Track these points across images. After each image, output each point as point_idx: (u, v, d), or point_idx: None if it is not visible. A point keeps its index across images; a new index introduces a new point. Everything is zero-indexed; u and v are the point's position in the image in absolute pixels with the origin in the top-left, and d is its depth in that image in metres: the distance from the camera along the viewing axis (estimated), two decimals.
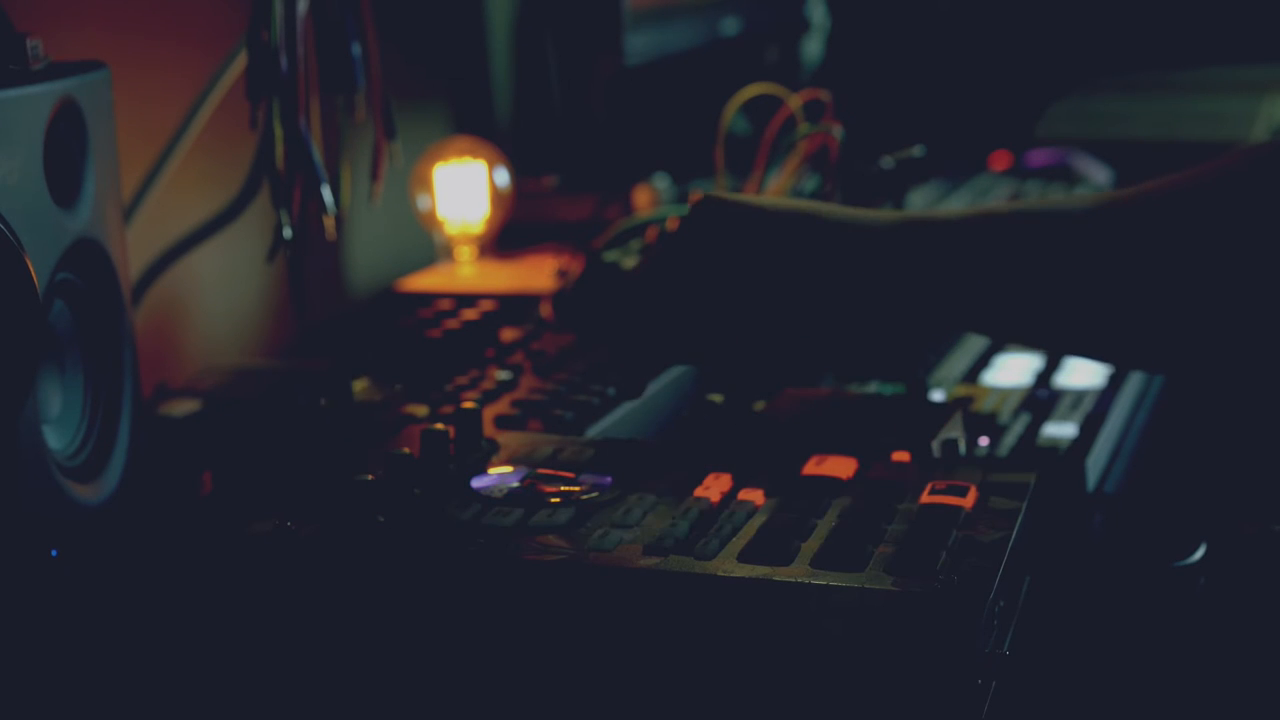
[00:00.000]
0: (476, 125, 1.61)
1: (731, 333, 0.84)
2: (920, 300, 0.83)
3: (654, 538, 0.70)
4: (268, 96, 0.99)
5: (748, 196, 0.83)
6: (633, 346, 0.87)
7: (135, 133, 0.98)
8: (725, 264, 0.82)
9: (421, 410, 0.99)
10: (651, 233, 1.26)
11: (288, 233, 1.01)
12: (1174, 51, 2.01)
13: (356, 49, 1.04)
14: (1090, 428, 0.97)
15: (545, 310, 1.20)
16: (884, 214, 0.85)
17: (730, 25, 1.81)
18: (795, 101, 1.27)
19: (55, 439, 0.78)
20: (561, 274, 1.24)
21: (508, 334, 1.16)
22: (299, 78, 0.99)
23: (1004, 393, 1.04)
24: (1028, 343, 0.98)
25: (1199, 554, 0.87)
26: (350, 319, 1.36)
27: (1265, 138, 1.71)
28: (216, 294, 1.25)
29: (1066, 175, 1.70)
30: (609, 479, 0.77)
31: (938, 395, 1.03)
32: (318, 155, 1.00)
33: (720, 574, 0.66)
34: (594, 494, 0.76)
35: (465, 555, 0.70)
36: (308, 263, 1.05)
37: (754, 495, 0.74)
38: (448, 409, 0.97)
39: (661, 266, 0.84)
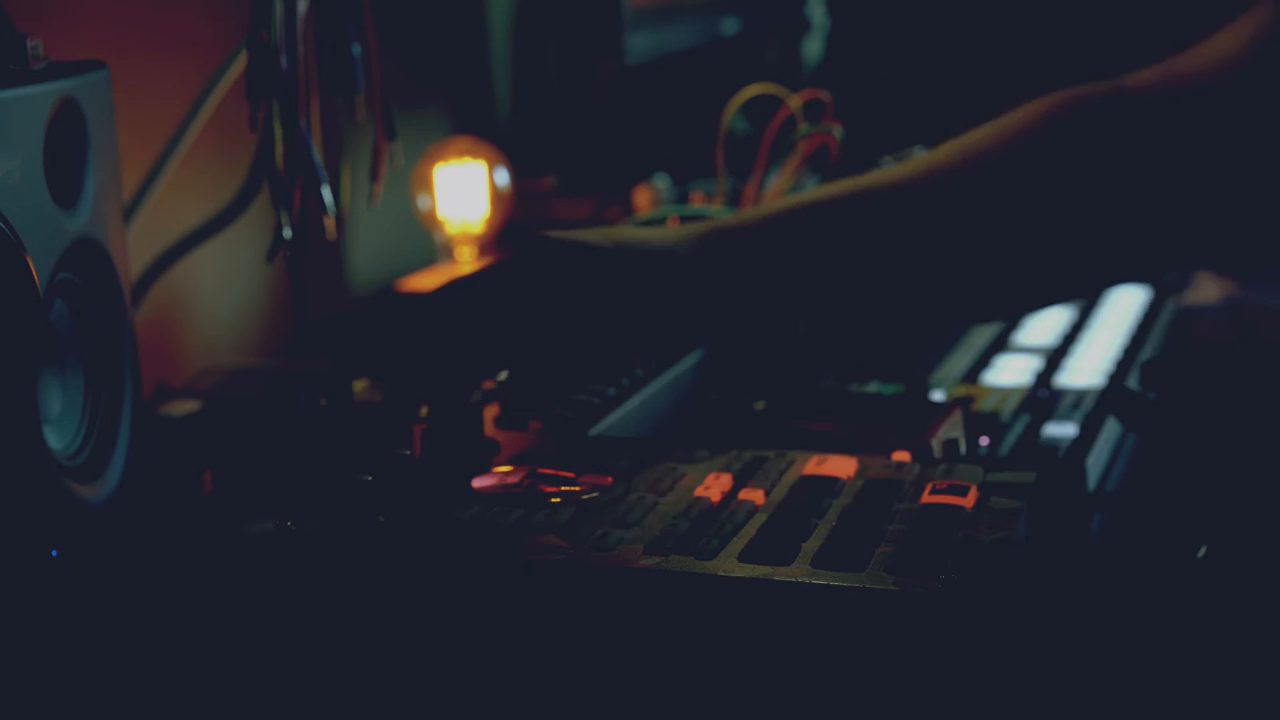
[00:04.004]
0: (476, 125, 1.61)
1: (548, 360, 0.88)
2: (730, 310, 0.87)
3: (654, 538, 0.70)
4: (268, 97, 0.99)
5: (572, 234, 0.86)
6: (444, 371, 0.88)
7: (135, 133, 0.98)
8: (550, 298, 0.85)
9: (422, 410, 0.99)
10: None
11: (288, 233, 1.01)
12: (1174, 53, 2.01)
13: (356, 49, 1.04)
14: (1090, 428, 0.97)
15: None
16: (693, 231, 0.88)
17: (730, 25, 1.81)
18: (795, 101, 1.27)
19: (55, 439, 0.78)
20: None
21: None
22: (299, 78, 0.99)
23: (1004, 393, 1.04)
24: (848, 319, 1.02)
25: (1199, 554, 0.87)
26: (350, 319, 1.36)
27: None
28: (216, 294, 1.25)
29: None
30: (609, 479, 0.77)
31: (938, 395, 1.03)
32: (318, 155, 1.00)
33: (720, 574, 0.66)
34: (594, 494, 0.76)
35: (465, 555, 0.70)
36: (308, 263, 1.05)
37: (754, 495, 0.74)
38: None
39: (482, 300, 0.86)
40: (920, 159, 0.90)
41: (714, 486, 0.76)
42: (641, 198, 1.49)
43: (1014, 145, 0.88)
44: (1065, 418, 0.99)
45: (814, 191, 0.92)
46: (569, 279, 0.85)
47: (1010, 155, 0.87)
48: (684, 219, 1.25)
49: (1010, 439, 0.96)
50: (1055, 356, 1.12)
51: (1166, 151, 0.86)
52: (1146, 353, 1.15)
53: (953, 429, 0.89)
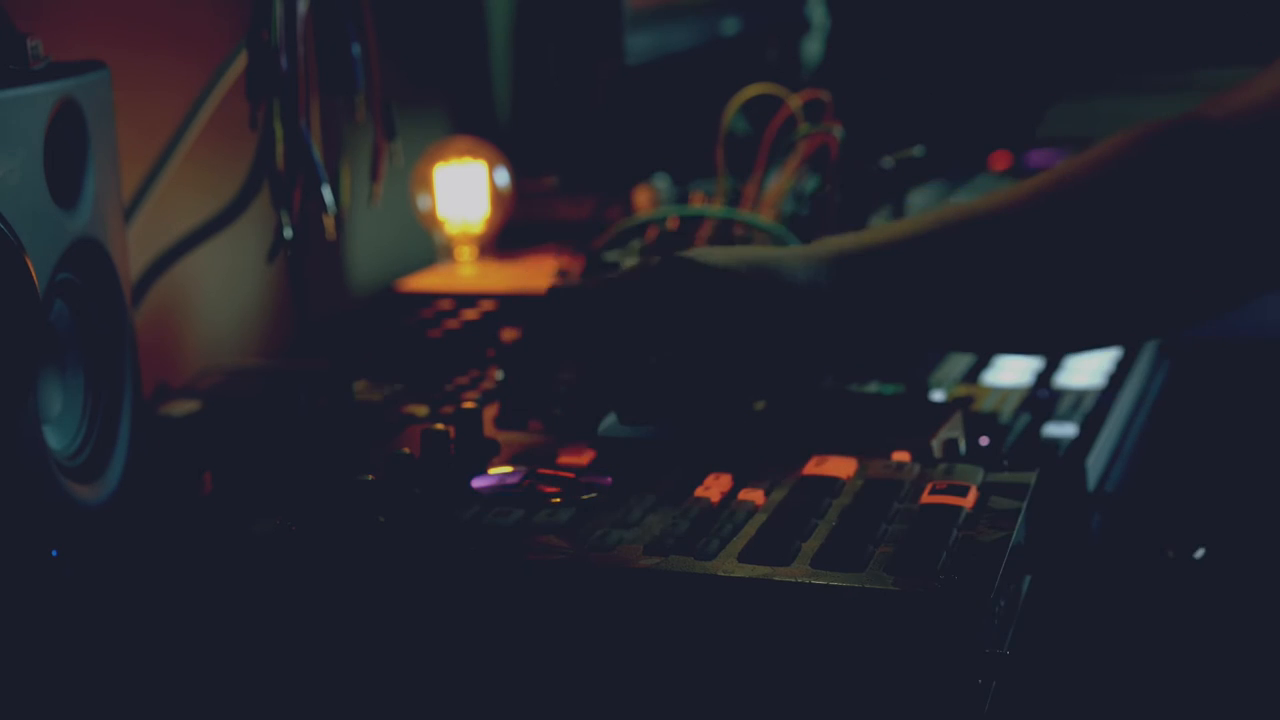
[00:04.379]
0: (476, 125, 1.61)
1: (688, 384, 0.87)
2: (863, 344, 0.90)
3: (654, 538, 0.70)
4: (268, 96, 0.99)
5: (712, 257, 0.86)
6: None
7: (135, 133, 0.98)
8: (687, 326, 0.86)
9: (421, 410, 0.99)
10: (651, 232, 1.26)
11: (288, 233, 1.01)
12: (1174, 52, 2.01)
13: (356, 49, 1.04)
14: (1090, 428, 0.97)
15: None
16: (823, 259, 0.88)
17: (730, 25, 1.81)
18: (795, 101, 1.27)
19: (55, 439, 0.78)
20: (562, 274, 1.24)
21: (508, 334, 1.16)
22: (299, 78, 0.99)
23: (1004, 393, 1.04)
24: (978, 349, 1.04)
25: (1199, 554, 0.87)
26: (350, 319, 1.36)
27: None
28: (216, 294, 1.25)
29: None
30: (609, 479, 0.77)
31: (938, 395, 1.03)
32: (318, 155, 1.00)
33: (720, 574, 0.66)
34: (594, 494, 0.76)
35: (465, 555, 0.70)
36: (308, 263, 1.05)
37: (754, 495, 0.74)
38: (448, 409, 0.97)
39: (621, 319, 0.86)
40: (1016, 186, 0.92)
41: (714, 486, 0.76)
42: (641, 198, 1.49)
43: (1108, 171, 0.89)
44: (1065, 418, 0.99)
45: (928, 217, 0.93)
46: (708, 306, 0.85)
47: (1104, 180, 0.89)
48: (684, 219, 1.26)
49: (1010, 439, 0.96)
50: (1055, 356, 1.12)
51: (1242, 183, 0.86)
52: (1146, 354, 1.15)
53: (953, 429, 0.89)
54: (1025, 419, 0.99)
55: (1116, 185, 0.88)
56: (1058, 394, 1.04)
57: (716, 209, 1.27)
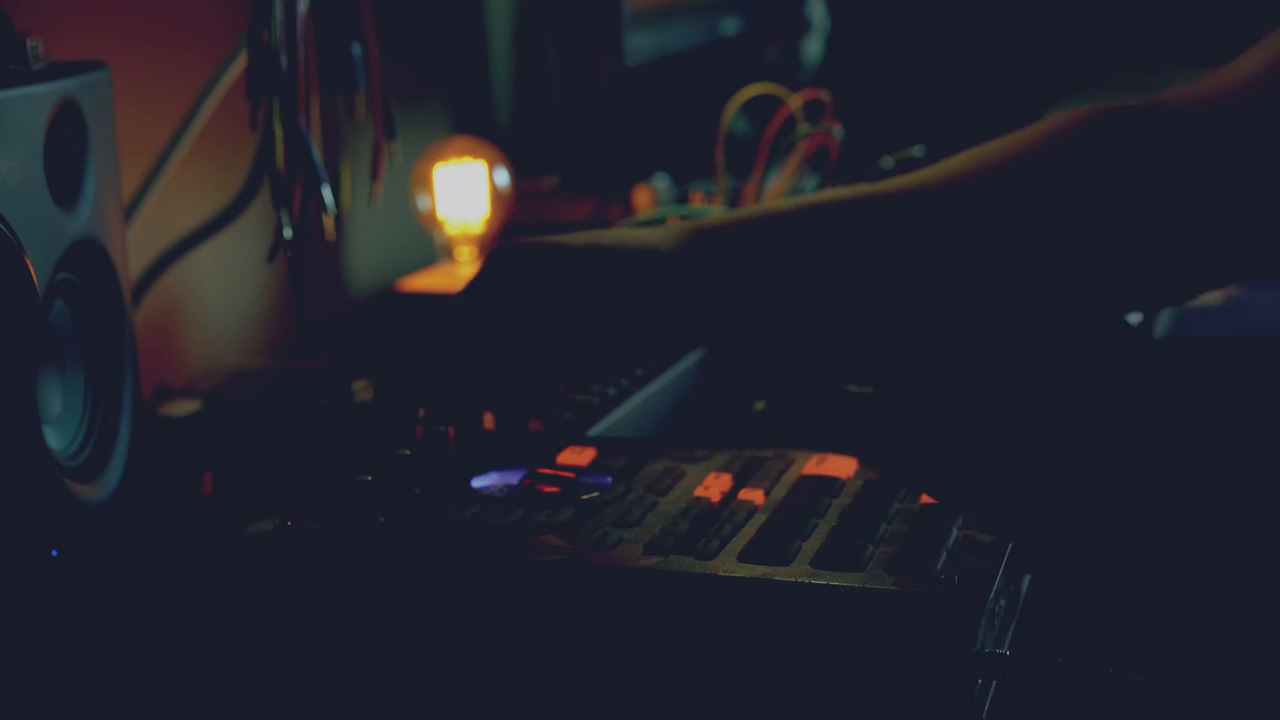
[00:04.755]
0: (476, 125, 1.61)
1: (540, 372, 0.83)
2: (717, 310, 0.83)
3: (654, 537, 0.70)
4: (268, 96, 0.99)
5: (541, 238, 0.83)
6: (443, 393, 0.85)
7: (135, 133, 0.98)
8: (529, 308, 0.81)
9: (421, 410, 0.99)
10: None
11: (288, 233, 1.01)
12: (1175, 52, 2.01)
13: (356, 49, 1.04)
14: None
15: None
16: (674, 229, 0.84)
17: (730, 25, 1.81)
18: (795, 101, 1.28)
19: (55, 439, 0.78)
20: None
21: None
22: (299, 78, 0.99)
23: None
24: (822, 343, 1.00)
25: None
26: (350, 319, 1.36)
27: None
28: (216, 294, 1.25)
29: None
30: (609, 479, 0.77)
31: None
32: (318, 155, 1.00)
33: (720, 574, 0.66)
34: (594, 494, 0.76)
35: (465, 555, 0.70)
36: (308, 263, 1.05)
37: (754, 495, 0.74)
38: None
39: (466, 317, 0.82)
40: (936, 165, 0.87)
41: (714, 486, 0.76)
42: (641, 198, 1.49)
43: (1038, 152, 0.85)
44: None
45: (812, 195, 0.89)
46: (542, 283, 0.81)
47: (1034, 162, 0.84)
48: (684, 219, 1.26)
49: None
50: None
51: (1196, 170, 0.84)
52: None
53: None
54: None
55: (1061, 166, 0.85)
56: None
57: (716, 209, 1.27)
